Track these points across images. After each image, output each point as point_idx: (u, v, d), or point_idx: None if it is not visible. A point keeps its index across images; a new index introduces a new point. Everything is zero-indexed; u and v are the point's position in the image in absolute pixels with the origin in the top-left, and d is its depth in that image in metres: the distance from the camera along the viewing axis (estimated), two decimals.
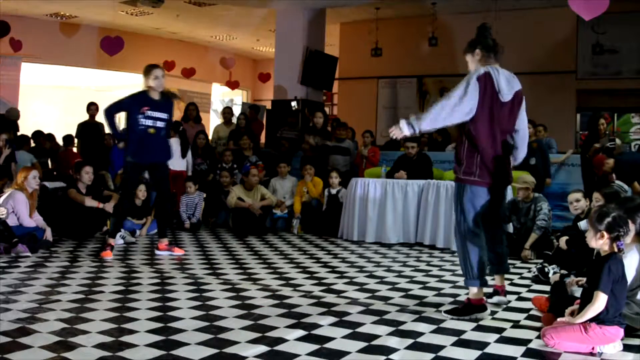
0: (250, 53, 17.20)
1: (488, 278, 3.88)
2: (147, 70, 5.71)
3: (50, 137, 9.93)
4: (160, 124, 5.74)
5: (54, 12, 12.67)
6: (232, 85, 15.90)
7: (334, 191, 7.86)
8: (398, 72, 13.15)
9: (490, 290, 4.08)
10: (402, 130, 3.62)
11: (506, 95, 3.67)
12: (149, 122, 5.66)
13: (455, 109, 3.59)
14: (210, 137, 10.17)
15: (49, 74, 14.71)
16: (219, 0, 11.55)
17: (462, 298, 4.30)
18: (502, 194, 3.91)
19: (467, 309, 3.74)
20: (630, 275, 3.26)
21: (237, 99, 17.77)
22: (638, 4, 10.41)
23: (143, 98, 5.69)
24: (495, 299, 4.07)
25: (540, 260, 5.57)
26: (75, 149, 9.99)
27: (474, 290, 3.77)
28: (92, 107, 9.87)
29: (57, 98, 15.19)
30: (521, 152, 3.96)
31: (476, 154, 3.70)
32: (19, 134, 9.61)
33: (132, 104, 5.67)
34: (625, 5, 10.39)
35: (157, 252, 5.90)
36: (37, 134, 9.79)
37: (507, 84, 3.70)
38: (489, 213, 3.82)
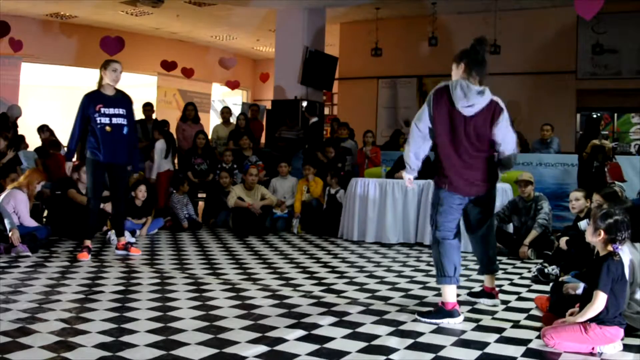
0: (250, 53, 17.19)
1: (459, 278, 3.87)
2: (106, 63, 5.62)
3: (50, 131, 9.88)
4: (117, 120, 5.58)
5: (54, 12, 12.66)
6: (232, 85, 15.90)
7: (332, 191, 7.87)
8: (398, 72, 13.15)
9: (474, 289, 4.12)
10: (409, 177, 3.95)
11: (465, 109, 3.68)
12: (105, 120, 5.52)
13: (418, 137, 3.81)
14: (209, 137, 10.16)
15: (49, 74, 14.70)
16: (219, 0, 11.55)
17: (462, 298, 4.30)
18: (485, 199, 3.91)
19: (440, 313, 3.68)
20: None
21: (237, 99, 17.75)
22: (638, 4, 10.40)
23: (96, 95, 5.58)
24: (490, 301, 4.08)
25: (540, 261, 5.58)
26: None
27: (448, 292, 3.71)
28: None
29: (57, 98, 15.18)
30: (506, 164, 3.94)
31: (443, 164, 3.82)
32: (19, 133, 9.60)
33: (88, 103, 5.54)
34: (625, 5, 10.40)
35: (116, 251, 5.81)
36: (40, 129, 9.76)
37: (467, 99, 3.66)
38: (474, 216, 3.92)
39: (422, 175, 3.93)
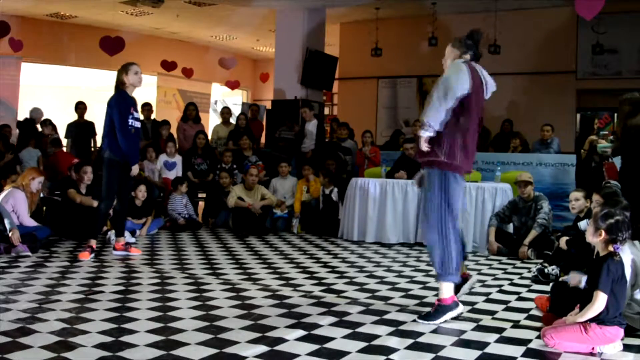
0: (250, 53, 17.19)
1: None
2: (126, 66, 5.63)
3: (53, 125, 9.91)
4: (137, 123, 5.68)
5: (54, 12, 12.66)
6: (232, 85, 15.90)
7: (327, 191, 7.88)
8: (398, 72, 13.14)
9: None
10: (424, 135, 3.61)
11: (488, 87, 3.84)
12: (134, 123, 5.60)
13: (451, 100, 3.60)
14: (209, 137, 10.17)
15: (49, 74, 14.70)
16: (218, 0, 11.55)
17: (462, 298, 4.30)
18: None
19: (441, 310, 3.64)
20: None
21: (237, 99, 17.75)
22: (638, 4, 10.40)
23: (129, 98, 5.63)
24: (467, 285, 3.96)
25: (540, 261, 5.58)
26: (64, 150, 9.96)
27: (447, 288, 3.66)
28: (80, 106, 9.87)
29: (57, 98, 15.18)
30: None
31: (458, 141, 3.63)
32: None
33: (126, 106, 5.57)
34: (625, 5, 10.39)
35: (114, 252, 5.80)
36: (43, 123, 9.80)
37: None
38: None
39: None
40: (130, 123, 5.56)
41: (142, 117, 5.78)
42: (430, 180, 3.68)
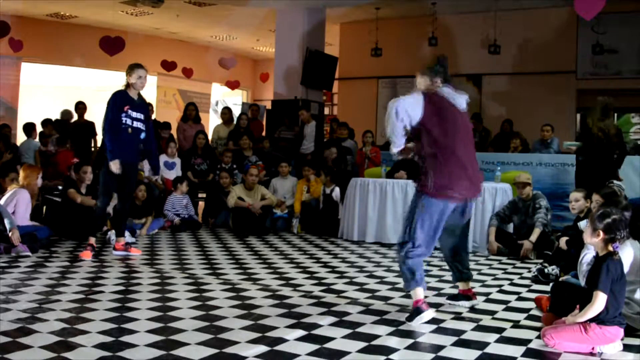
0: (250, 53, 17.19)
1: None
2: (131, 69, 5.63)
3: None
4: (137, 124, 5.64)
5: (54, 12, 12.66)
6: (232, 85, 15.90)
7: (328, 190, 7.88)
8: (398, 72, 13.12)
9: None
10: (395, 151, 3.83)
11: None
12: (129, 122, 5.57)
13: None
14: (210, 137, 10.17)
15: (49, 74, 14.70)
16: (219, 0, 11.55)
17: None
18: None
19: (415, 312, 3.66)
20: (624, 270, 3.26)
21: (237, 99, 17.76)
22: (638, 4, 10.40)
23: (124, 96, 5.60)
24: (468, 303, 4.05)
25: (540, 261, 5.58)
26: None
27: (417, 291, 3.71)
28: (80, 107, 9.88)
29: (57, 98, 15.18)
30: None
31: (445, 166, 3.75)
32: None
33: (119, 102, 5.55)
34: (625, 5, 10.39)
35: (114, 252, 5.79)
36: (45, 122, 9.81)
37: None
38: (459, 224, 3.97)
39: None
40: (124, 122, 5.53)
41: (140, 117, 5.69)
42: (422, 203, 3.74)
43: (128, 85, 5.63)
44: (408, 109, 3.65)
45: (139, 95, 5.75)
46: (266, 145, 9.63)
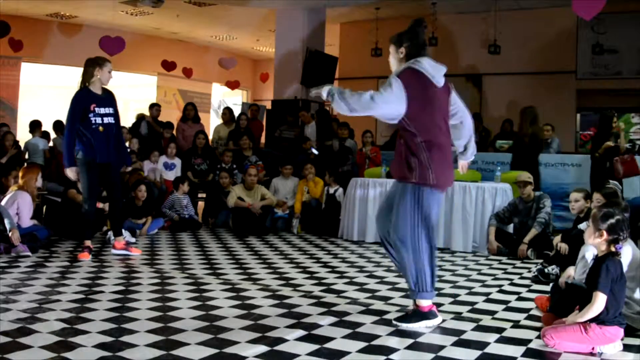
0: (250, 53, 17.20)
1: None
2: (101, 63, 5.51)
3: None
4: (108, 119, 5.49)
5: (54, 12, 12.67)
6: (232, 85, 15.91)
7: (331, 190, 7.88)
8: None
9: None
10: (322, 95, 3.46)
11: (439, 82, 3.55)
12: (99, 120, 5.42)
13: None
14: (210, 137, 10.17)
15: (49, 74, 14.70)
16: (218, 0, 11.55)
17: (462, 298, 4.31)
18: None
19: (418, 315, 3.54)
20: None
21: (237, 99, 17.76)
22: (638, 4, 10.41)
23: (88, 94, 5.45)
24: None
25: (540, 261, 5.57)
26: None
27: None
28: None
29: (57, 98, 15.18)
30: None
31: (430, 153, 3.49)
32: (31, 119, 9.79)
33: (83, 103, 5.41)
34: (625, 5, 10.40)
35: (113, 251, 5.77)
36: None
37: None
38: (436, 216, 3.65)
39: None
40: (93, 122, 5.41)
41: (109, 112, 5.53)
42: (403, 194, 3.52)
43: (89, 82, 5.47)
44: (392, 113, 3.41)
45: (103, 89, 5.59)
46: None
